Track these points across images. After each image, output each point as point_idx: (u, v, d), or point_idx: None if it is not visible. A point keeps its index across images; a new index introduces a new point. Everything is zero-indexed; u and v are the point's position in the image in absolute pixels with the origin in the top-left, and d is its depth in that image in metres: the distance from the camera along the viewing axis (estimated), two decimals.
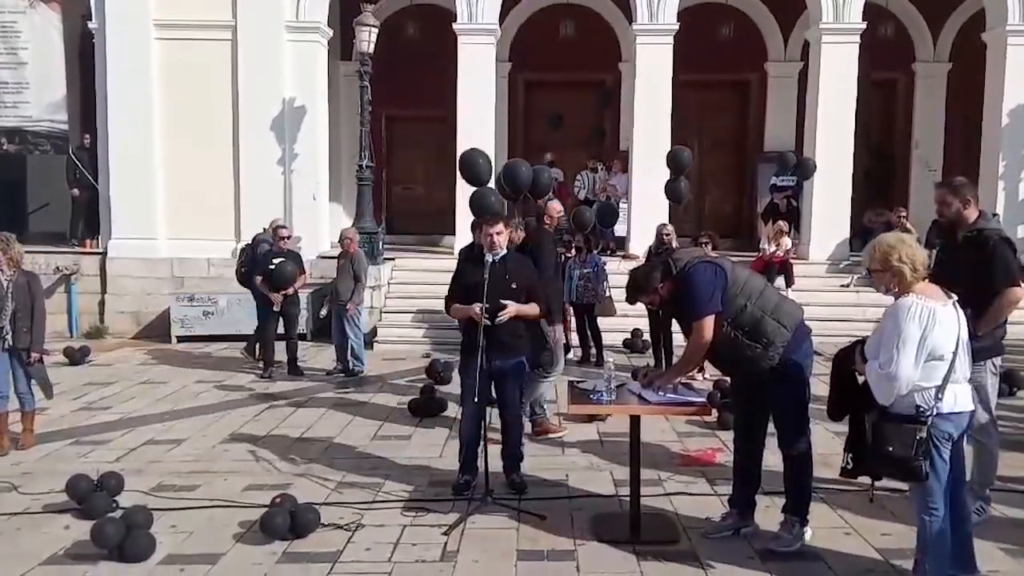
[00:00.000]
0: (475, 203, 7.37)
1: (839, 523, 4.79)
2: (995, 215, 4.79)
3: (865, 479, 3.77)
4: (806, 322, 4.51)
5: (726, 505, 4.81)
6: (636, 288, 4.59)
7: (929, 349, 3.44)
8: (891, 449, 3.48)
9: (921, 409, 3.48)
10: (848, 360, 3.83)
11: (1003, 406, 6.47)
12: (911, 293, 3.52)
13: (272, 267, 9.12)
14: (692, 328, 4.35)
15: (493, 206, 7.29)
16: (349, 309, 8.99)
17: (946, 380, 3.48)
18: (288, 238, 9.44)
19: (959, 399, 3.53)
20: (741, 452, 4.66)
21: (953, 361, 3.48)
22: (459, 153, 12.18)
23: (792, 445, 4.40)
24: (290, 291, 9.22)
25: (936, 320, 3.45)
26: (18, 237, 6.57)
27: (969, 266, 4.44)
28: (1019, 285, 4.43)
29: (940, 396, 3.48)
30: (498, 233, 5.20)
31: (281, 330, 9.33)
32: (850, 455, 3.71)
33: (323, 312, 9.79)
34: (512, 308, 5.11)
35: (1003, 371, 6.46)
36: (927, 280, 3.59)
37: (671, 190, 10.16)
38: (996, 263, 4.42)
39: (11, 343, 6.27)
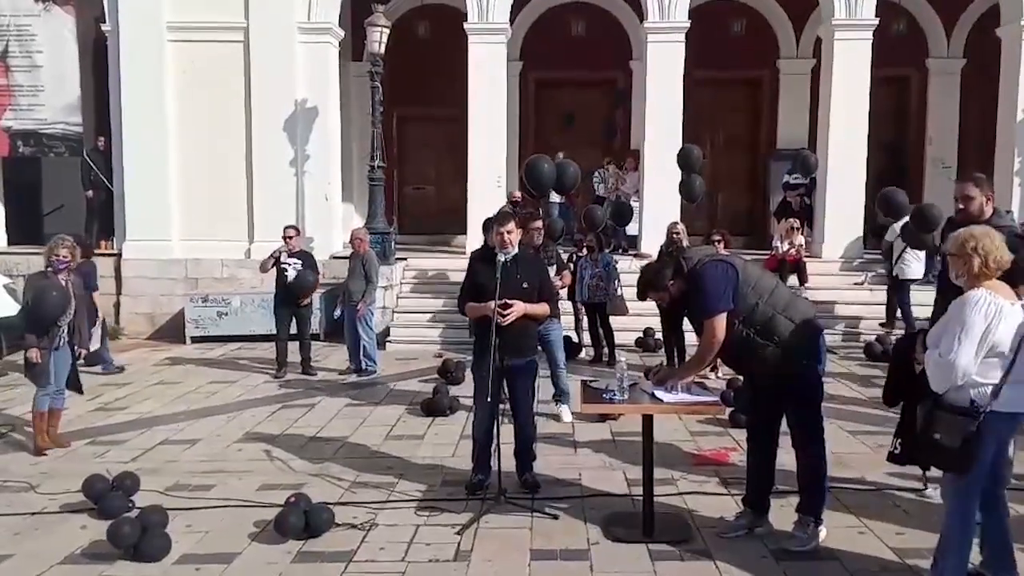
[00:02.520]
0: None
1: (854, 522, 4.77)
2: (1008, 212, 4.71)
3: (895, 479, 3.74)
4: (819, 320, 4.49)
5: (740, 504, 4.80)
6: (647, 284, 4.60)
7: (991, 343, 3.40)
8: (938, 437, 3.46)
9: (976, 404, 3.44)
10: (908, 348, 3.79)
11: None
12: (981, 287, 3.48)
13: (284, 265, 9.13)
14: (704, 326, 4.35)
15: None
16: (360, 309, 9.01)
17: (1004, 379, 3.44)
18: (292, 238, 9.34)
19: (1014, 400, 3.48)
20: (754, 451, 4.65)
21: (1013, 360, 3.44)
22: (470, 152, 12.44)
23: (806, 444, 4.39)
24: (305, 301, 9.29)
25: (1002, 316, 3.41)
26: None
27: None
28: None
29: (996, 395, 3.44)
30: (508, 232, 5.20)
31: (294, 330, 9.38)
32: (899, 440, 3.69)
33: (336, 312, 9.81)
34: (520, 307, 5.11)
35: None
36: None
37: (685, 188, 10.12)
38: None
39: (67, 339, 6.47)
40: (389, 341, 10.83)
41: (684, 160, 10.05)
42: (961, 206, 4.67)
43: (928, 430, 3.50)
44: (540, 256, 6.71)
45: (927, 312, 10.90)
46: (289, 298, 9.21)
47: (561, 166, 8.62)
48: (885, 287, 10.95)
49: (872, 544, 4.49)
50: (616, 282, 9.40)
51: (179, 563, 4.38)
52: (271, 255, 9.27)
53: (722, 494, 5.29)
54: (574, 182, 8.91)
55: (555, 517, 4.88)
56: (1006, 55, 12.36)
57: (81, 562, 4.43)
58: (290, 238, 9.31)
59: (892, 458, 3.79)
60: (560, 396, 7.26)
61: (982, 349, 3.41)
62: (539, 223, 7.35)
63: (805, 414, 4.39)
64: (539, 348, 7.01)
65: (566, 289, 8.40)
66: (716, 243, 8.63)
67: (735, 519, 4.72)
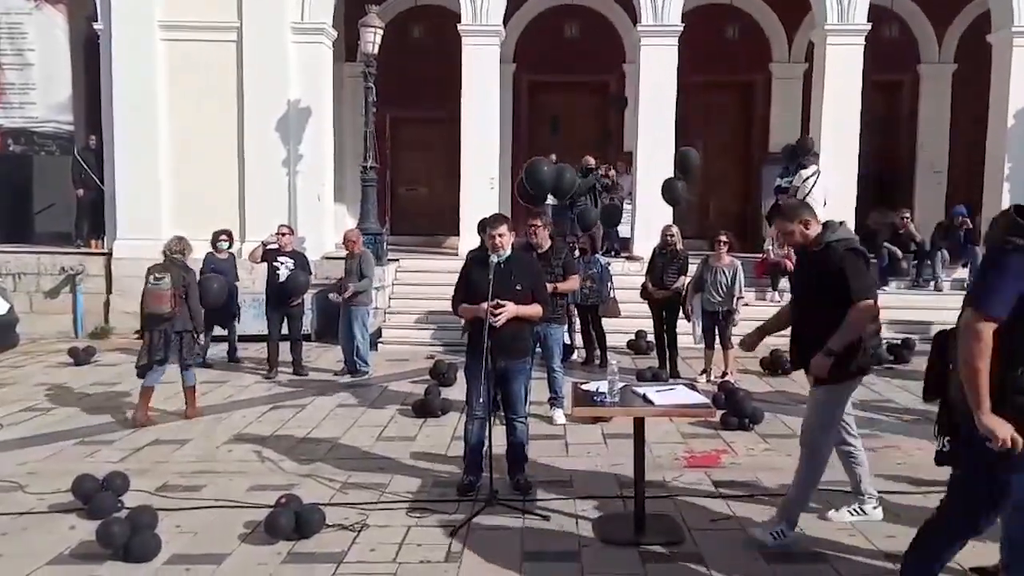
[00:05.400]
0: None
1: (844, 524, 4.78)
2: (842, 223, 4.61)
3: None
4: None
5: (730, 507, 4.78)
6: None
7: None
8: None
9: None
10: (947, 343, 3.72)
11: None
12: None
13: (276, 265, 9.12)
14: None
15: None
16: (348, 289, 8.91)
17: None
18: (284, 235, 9.32)
19: None
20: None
21: None
22: (463, 153, 12.43)
23: None
24: (296, 302, 9.26)
25: None
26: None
27: (817, 282, 4.41)
28: (868, 298, 4.31)
29: None
30: (500, 235, 5.21)
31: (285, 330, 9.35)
32: (946, 439, 3.60)
33: (332, 296, 9.61)
34: (511, 309, 5.11)
35: None
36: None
37: (668, 191, 9.97)
38: (847, 276, 4.30)
39: None
40: (381, 342, 10.82)
41: (681, 163, 10.00)
42: (786, 241, 4.75)
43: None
44: (534, 258, 6.69)
45: (912, 316, 11.01)
46: (280, 298, 9.19)
47: (559, 170, 8.56)
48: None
49: (862, 546, 4.51)
50: (609, 284, 9.41)
51: (169, 563, 4.36)
52: (261, 243, 9.34)
53: (713, 496, 5.30)
54: (571, 187, 8.86)
55: (546, 518, 4.88)
56: (997, 61, 12.43)
57: (70, 562, 4.40)
58: (283, 235, 9.29)
59: (940, 457, 3.66)
60: (555, 399, 7.26)
61: None
62: (537, 220, 7.27)
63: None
64: (538, 349, 7.03)
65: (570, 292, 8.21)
66: (723, 244, 8.69)
67: None
